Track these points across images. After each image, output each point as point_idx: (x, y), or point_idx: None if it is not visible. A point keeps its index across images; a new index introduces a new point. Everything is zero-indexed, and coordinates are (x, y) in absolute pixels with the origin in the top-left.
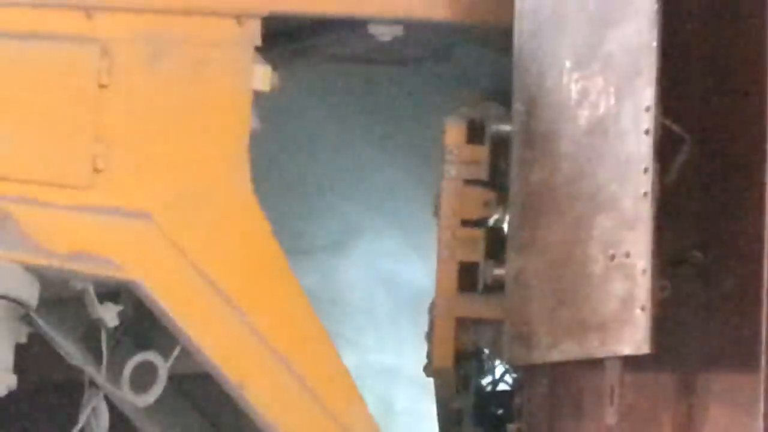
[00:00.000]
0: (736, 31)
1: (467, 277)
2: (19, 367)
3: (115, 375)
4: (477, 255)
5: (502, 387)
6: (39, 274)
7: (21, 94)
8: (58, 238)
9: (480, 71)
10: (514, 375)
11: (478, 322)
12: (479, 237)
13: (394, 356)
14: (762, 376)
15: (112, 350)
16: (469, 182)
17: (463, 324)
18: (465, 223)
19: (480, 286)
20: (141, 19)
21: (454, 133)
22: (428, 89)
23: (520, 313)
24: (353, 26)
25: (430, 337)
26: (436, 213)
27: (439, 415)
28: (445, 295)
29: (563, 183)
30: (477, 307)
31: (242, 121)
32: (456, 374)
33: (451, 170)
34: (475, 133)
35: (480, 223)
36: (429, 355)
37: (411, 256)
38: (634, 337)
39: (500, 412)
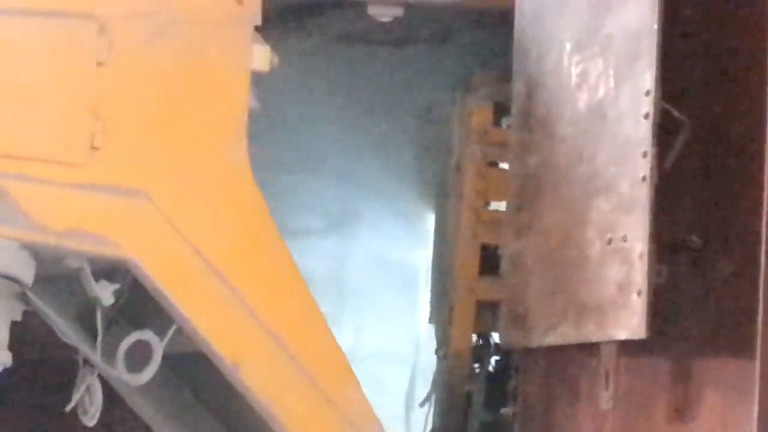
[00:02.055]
0: (735, 15)
1: (487, 260)
2: (13, 345)
3: (109, 354)
4: (500, 238)
5: None
6: (35, 251)
7: (18, 70)
8: (54, 215)
9: (479, 53)
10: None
11: (497, 305)
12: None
13: (389, 338)
14: (758, 361)
15: (107, 329)
16: (492, 164)
17: (482, 307)
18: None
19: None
20: None
21: (480, 115)
22: (428, 70)
23: (516, 296)
24: (353, 6)
25: (442, 319)
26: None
27: (443, 398)
28: (467, 278)
29: (561, 166)
30: (497, 290)
31: (240, 101)
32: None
33: (477, 152)
34: (499, 115)
35: None
36: (441, 338)
37: (408, 239)
38: (630, 322)
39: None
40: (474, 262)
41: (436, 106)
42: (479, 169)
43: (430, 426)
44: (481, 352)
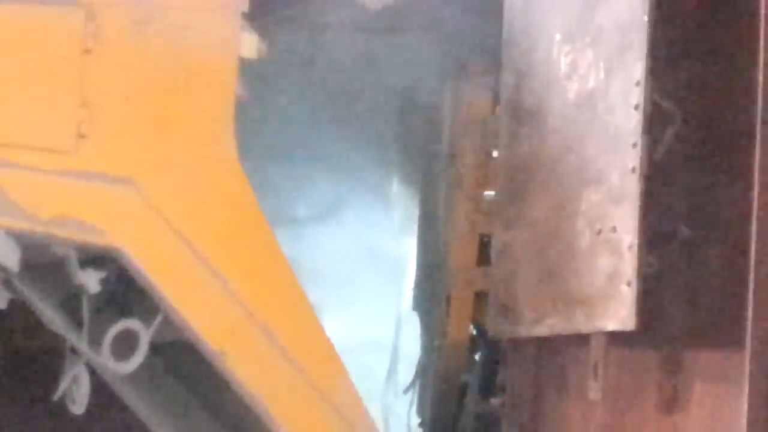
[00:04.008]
0: (726, 6)
1: (484, 251)
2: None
3: (96, 342)
4: None
5: None
6: (21, 238)
7: (5, 58)
8: (41, 202)
9: (470, 41)
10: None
11: None
12: None
13: (377, 328)
14: (747, 353)
15: (94, 317)
16: (490, 154)
17: (479, 297)
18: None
19: None
20: None
21: (479, 104)
22: (418, 59)
23: (505, 287)
24: None
25: (432, 308)
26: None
27: (438, 388)
28: (464, 268)
29: (551, 157)
30: None
31: (228, 89)
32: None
33: (476, 141)
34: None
35: None
36: (436, 328)
37: (395, 228)
38: (619, 313)
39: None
40: (471, 252)
41: (425, 94)
42: (478, 158)
43: (414, 413)
44: (477, 343)
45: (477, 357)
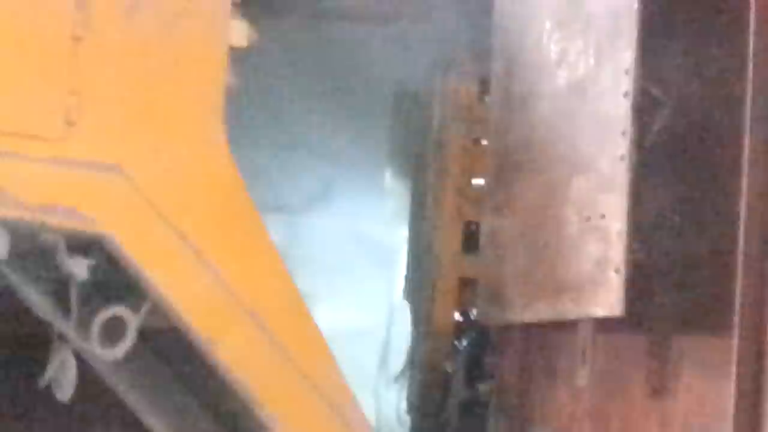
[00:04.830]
0: None
1: (470, 237)
2: None
3: (84, 329)
4: None
5: None
6: (9, 226)
7: None
8: (29, 190)
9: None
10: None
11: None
12: None
13: (366, 315)
14: (735, 339)
15: (82, 304)
16: (477, 141)
17: (464, 284)
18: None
19: None
20: None
21: (465, 91)
22: (408, 47)
23: (494, 273)
24: None
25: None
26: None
27: (423, 375)
28: (449, 255)
29: (540, 144)
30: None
31: (218, 77)
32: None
33: (462, 129)
34: (483, 92)
35: None
36: (422, 315)
37: (385, 216)
38: (607, 300)
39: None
40: (457, 239)
41: (416, 82)
42: (464, 145)
43: (404, 401)
44: (462, 329)
45: (462, 343)
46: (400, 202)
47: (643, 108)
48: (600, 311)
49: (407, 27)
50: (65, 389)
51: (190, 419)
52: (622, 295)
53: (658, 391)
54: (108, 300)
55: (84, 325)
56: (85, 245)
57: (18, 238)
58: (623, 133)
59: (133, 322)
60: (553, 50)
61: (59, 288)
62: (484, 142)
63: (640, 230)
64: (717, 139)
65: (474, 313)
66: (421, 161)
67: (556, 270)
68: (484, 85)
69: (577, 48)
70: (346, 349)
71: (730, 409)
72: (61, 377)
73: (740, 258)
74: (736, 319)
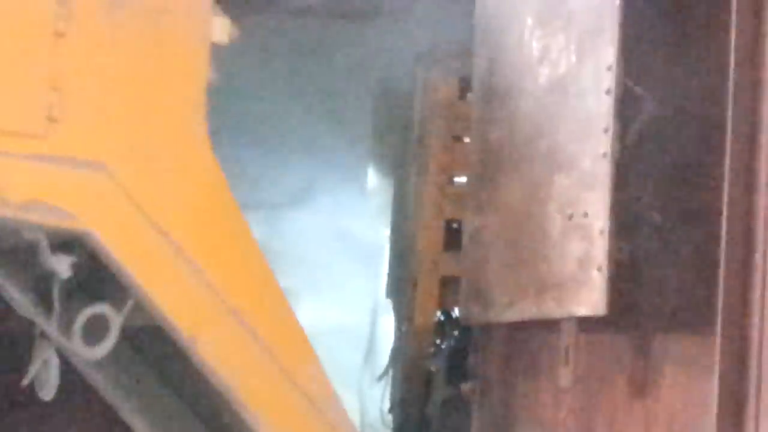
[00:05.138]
0: None
1: (451, 236)
2: None
3: (66, 327)
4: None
5: None
6: None
7: None
8: (11, 187)
9: (442, 26)
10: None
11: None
12: None
13: (349, 313)
14: (718, 338)
15: (64, 302)
16: (457, 138)
17: (446, 282)
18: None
19: None
20: None
21: (445, 89)
22: (389, 44)
23: (476, 272)
24: None
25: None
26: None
27: (405, 373)
28: (431, 253)
29: (522, 141)
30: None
31: (200, 73)
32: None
33: (442, 126)
34: (464, 89)
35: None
36: (404, 313)
37: (368, 213)
38: (590, 299)
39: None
40: (438, 237)
41: (397, 79)
42: (444, 143)
43: (386, 401)
44: (443, 328)
45: (444, 342)
46: (383, 200)
47: (626, 105)
48: (582, 310)
49: (389, 24)
50: (48, 388)
51: (173, 418)
52: (605, 294)
53: (642, 389)
54: (91, 298)
55: (66, 323)
56: (67, 242)
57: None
58: (605, 131)
59: (116, 320)
60: (535, 47)
61: (42, 286)
62: (466, 140)
63: (622, 228)
64: (699, 137)
65: (456, 312)
66: (403, 159)
67: (538, 269)
68: (466, 82)
69: (559, 45)
70: (329, 347)
71: (714, 407)
72: (44, 376)
73: (723, 256)
74: (719, 317)
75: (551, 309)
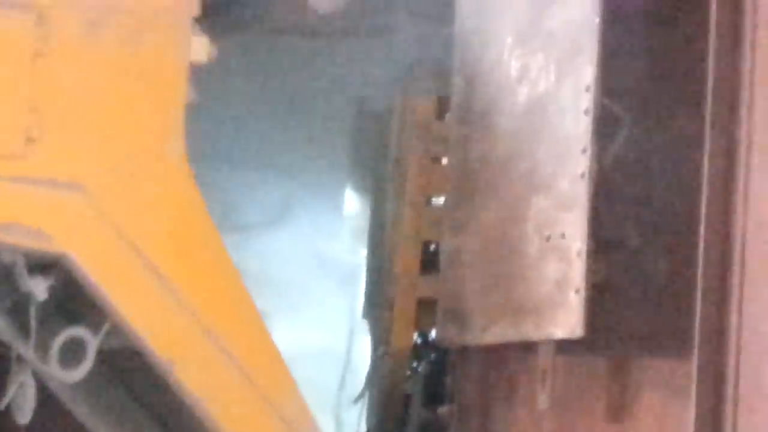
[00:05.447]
0: (676, 9)
1: (429, 258)
2: None
3: (43, 351)
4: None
5: None
6: None
7: None
8: None
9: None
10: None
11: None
12: None
13: (326, 336)
14: (695, 360)
15: (41, 325)
16: (435, 159)
17: (423, 305)
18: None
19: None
20: None
21: (423, 109)
22: (368, 63)
23: (453, 293)
24: None
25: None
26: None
27: (382, 396)
28: (408, 275)
29: (500, 161)
30: (439, 287)
31: (178, 93)
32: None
33: (419, 147)
34: (442, 109)
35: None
36: (380, 336)
37: (346, 235)
38: (568, 321)
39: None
40: (415, 259)
41: (376, 99)
42: (421, 163)
43: (363, 424)
44: (420, 351)
45: (421, 365)
46: (360, 221)
47: (604, 125)
48: (560, 333)
49: (367, 43)
50: (25, 412)
51: None
52: (582, 316)
53: (619, 412)
54: (67, 321)
55: (43, 346)
56: (44, 265)
57: None
58: (583, 151)
59: (93, 343)
60: (514, 66)
61: (18, 308)
62: (444, 161)
63: (600, 250)
64: (678, 157)
65: (433, 334)
66: (380, 180)
67: (515, 291)
68: (444, 102)
69: (538, 64)
70: (306, 369)
71: (690, 429)
72: (21, 399)
73: (700, 278)
74: (696, 340)
75: (529, 331)
